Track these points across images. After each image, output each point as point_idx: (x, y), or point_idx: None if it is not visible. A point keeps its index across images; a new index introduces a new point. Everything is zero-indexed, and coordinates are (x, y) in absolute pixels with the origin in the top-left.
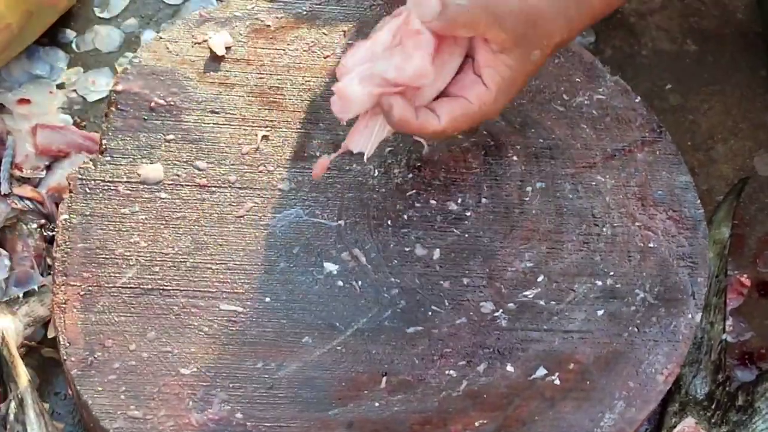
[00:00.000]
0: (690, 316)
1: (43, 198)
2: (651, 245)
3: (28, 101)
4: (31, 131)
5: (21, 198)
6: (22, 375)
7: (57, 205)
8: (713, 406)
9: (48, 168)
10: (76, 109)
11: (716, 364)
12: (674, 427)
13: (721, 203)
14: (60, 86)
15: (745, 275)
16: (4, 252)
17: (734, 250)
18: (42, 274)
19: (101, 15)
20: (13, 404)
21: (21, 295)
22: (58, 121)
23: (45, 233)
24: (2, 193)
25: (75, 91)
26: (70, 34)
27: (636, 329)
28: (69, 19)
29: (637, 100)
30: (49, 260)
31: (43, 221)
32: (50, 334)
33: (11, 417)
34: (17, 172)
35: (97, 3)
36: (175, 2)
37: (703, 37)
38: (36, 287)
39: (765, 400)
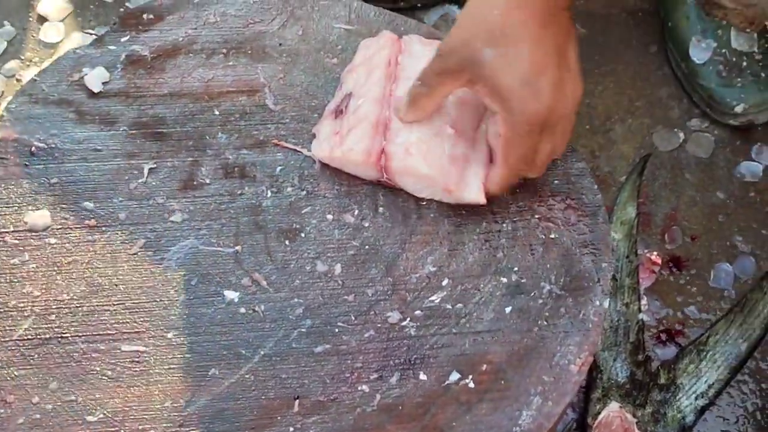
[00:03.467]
0: (598, 302)
1: None
2: (552, 236)
3: None
4: None
5: None
6: None
7: None
8: (636, 388)
9: None
10: None
11: (635, 345)
12: (599, 413)
13: (625, 183)
14: None
15: (655, 253)
16: None
17: (642, 228)
18: None
19: None
20: None
21: None
22: None
23: None
24: None
25: None
26: None
27: (545, 322)
28: None
29: None
30: None
31: None
32: None
33: None
34: None
35: None
36: (53, 41)
37: (591, 19)
38: None
39: (687, 375)
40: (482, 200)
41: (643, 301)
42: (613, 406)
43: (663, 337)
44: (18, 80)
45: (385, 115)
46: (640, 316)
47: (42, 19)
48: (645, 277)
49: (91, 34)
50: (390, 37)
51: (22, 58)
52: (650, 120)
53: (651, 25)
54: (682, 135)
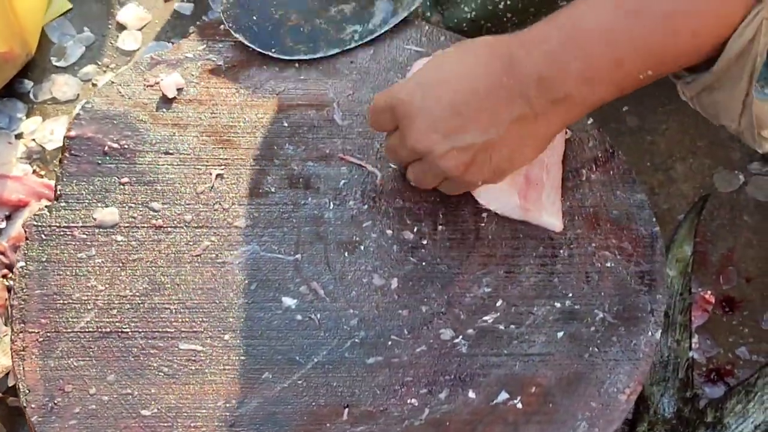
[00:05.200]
0: (650, 333)
1: (5, 248)
2: (608, 265)
3: None
4: None
5: None
6: None
7: None
8: (682, 424)
9: (8, 218)
10: (35, 158)
11: (684, 382)
12: None
13: (683, 222)
14: (19, 136)
15: (709, 292)
16: None
17: (697, 267)
18: (5, 324)
19: (58, 64)
20: None
21: None
22: (17, 170)
23: (7, 283)
24: None
25: (34, 140)
26: (28, 84)
27: (596, 349)
28: (26, 69)
29: (589, 122)
30: None
31: (5, 271)
32: (10, 382)
33: None
34: None
35: (54, 52)
36: (130, 48)
37: None
38: (0, 336)
39: (734, 415)
40: (559, 227)
41: (695, 339)
42: None
43: (712, 375)
44: (94, 84)
45: None
46: (691, 353)
47: (121, 27)
48: (698, 315)
49: (171, 42)
50: None
51: (99, 63)
52: (711, 160)
53: None
54: (742, 177)
